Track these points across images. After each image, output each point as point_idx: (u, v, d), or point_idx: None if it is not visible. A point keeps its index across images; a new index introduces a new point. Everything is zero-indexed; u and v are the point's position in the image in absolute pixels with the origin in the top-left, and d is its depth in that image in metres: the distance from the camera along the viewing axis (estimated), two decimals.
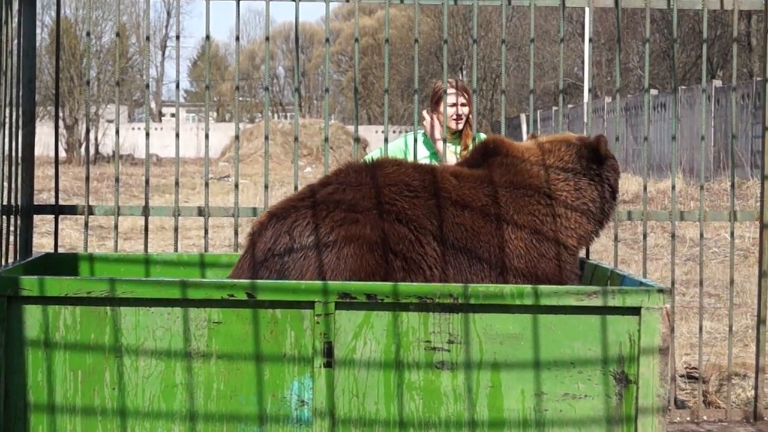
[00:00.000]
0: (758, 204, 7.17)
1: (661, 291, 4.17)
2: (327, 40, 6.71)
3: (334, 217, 4.75)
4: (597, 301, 4.17)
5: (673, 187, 6.84)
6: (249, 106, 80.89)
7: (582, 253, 5.48)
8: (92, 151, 45.99)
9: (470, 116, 7.39)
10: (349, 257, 4.65)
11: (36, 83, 6.48)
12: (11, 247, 6.24)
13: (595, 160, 5.40)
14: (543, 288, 4.20)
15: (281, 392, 4.24)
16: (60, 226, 8.38)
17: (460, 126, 7.45)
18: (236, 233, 6.51)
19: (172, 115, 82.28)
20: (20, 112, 6.25)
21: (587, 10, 7.92)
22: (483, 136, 7.49)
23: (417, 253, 4.82)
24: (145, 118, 6.50)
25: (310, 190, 5.00)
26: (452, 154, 7.29)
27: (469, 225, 4.98)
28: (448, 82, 7.43)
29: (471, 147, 6.75)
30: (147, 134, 6.63)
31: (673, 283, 6.68)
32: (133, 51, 60.06)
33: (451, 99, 7.46)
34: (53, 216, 6.65)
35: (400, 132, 52.88)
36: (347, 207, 4.80)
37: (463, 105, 7.44)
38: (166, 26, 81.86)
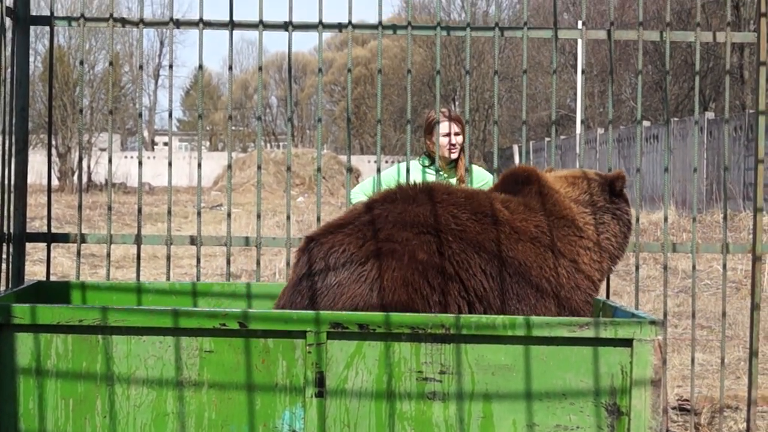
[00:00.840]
0: (750, 236, 7.17)
1: (653, 323, 4.17)
2: (320, 69, 6.72)
3: (371, 246, 4.71)
4: (589, 333, 4.16)
5: (666, 219, 6.85)
6: (242, 136, 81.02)
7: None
8: (85, 179, 45.97)
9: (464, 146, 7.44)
10: (383, 290, 4.61)
11: (29, 111, 6.48)
12: (3, 275, 6.23)
13: (613, 196, 5.42)
14: (535, 319, 4.20)
15: (272, 422, 4.22)
16: (52, 254, 8.36)
17: (454, 155, 7.49)
18: (228, 262, 6.51)
19: (165, 144, 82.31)
20: (13, 140, 6.25)
21: (580, 41, 7.93)
22: (476, 168, 7.53)
23: (455, 288, 4.76)
24: (138, 146, 6.50)
25: (352, 215, 4.94)
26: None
27: (521, 259, 4.92)
28: (441, 111, 7.48)
29: (467, 177, 6.77)
30: (140, 163, 6.63)
31: (665, 314, 6.67)
32: (126, 80, 60.22)
33: (444, 128, 7.50)
34: (45, 244, 6.63)
35: (393, 162, 52.94)
36: (386, 236, 4.74)
37: (456, 134, 7.48)
38: (159, 55, 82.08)
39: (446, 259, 4.76)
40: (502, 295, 4.85)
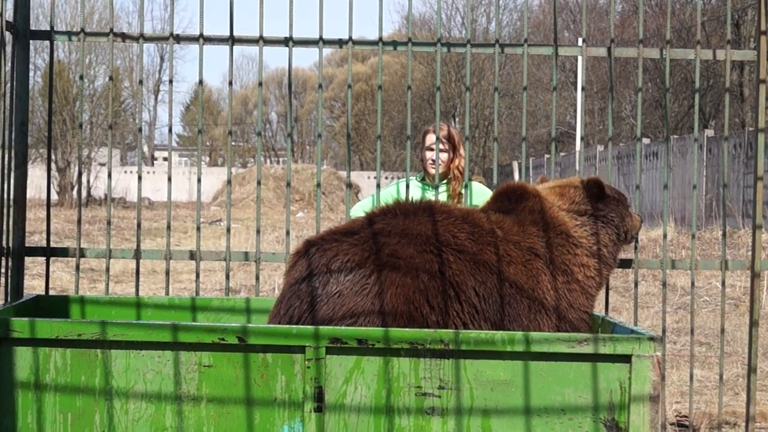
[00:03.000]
0: (749, 253, 7.17)
1: (652, 339, 4.17)
2: (320, 85, 6.73)
3: (376, 260, 4.69)
4: (588, 349, 4.16)
5: (665, 236, 6.85)
6: (241, 151, 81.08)
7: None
8: (84, 193, 45.99)
9: (457, 163, 7.48)
10: (384, 305, 4.59)
11: (29, 126, 6.49)
12: (2, 289, 6.23)
13: (598, 201, 5.42)
14: (534, 335, 4.20)
15: None
16: (51, 269, 8.38)
17: (432, 170, 7.53)
18: (227, 277, 6.51)
19: (165, 159, 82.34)
20: (12, 155, 6.25)
21: (580, 58, 7.95)
22: (477, 184, 7.54)
23: (454, 309, 4.76)
24: (138, 161, 6.51)
25: (355, 226, 4.93)
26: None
27: (518, 279, 4.92)
28: (430, 128, 7.58)
29: (466, 193, 6.80)
30: (139, 178, 6.64)
31: (664, 331, 6.67)
32: (126, 95, 60.22)
33: (428, 144, 7.58)
34: (44, 258, 6.64)
35: (392, 178, 52.96)
36: (391, 252, 4.73)
37: (442, 151, 7.52)
38: (159, 70, 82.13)
39: (447, 279, 4.76)
40: (501, 315, 4.86)
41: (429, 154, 7.60)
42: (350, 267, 4.66)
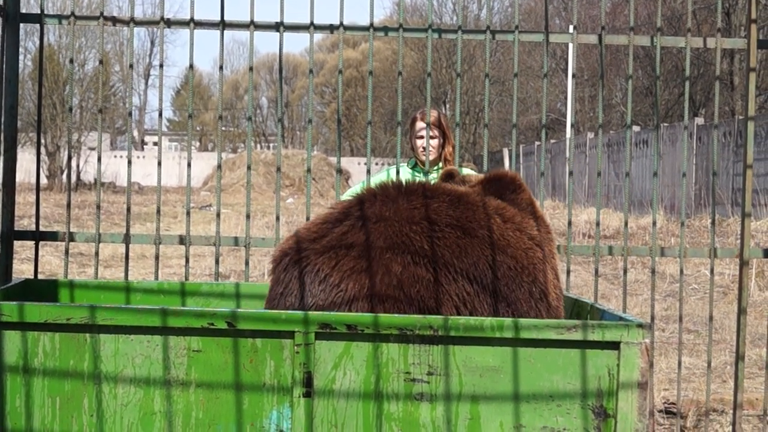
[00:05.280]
0: (738, 241, 7.19)
1: (640, 326, 4.18)
2: (311, 71, 6.72)
3: (343, 266, 4.64)
4: (577, 335, 4.17)
5: (654, 223, 6.86)
6: (232, 136, 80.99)
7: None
8: (74, 178, 45.94)
9: (448, 149, 7.49)
10: (359, 310, 4.57)
11: (18, 109, 6.47)
12: None
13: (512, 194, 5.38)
14: (522, 321, 4.20)
15: (260, 421, 4.22)
16: (40, 253, 8.33)
17: (423, 157, 7.53)
18: (217, 262, 6.50)
19: (155, 144, 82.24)
20: (2, 138, 6.24)
21: (571, 46, 7.95)
22: (467, 170, 7.55)
23: (438, 296, 4.72)
24: (128, 146, 6.50)
25: (325, 226, 4.83)
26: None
27: (516, 266, 4.88)
28: (417, 115, 7.59)
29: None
30: (129, 162, 6.63)
31: (652, 318, 6.69)
32: (116, 79, 60.15)
33: (419, 131, 7.58)
34: (33, 242, 6.63)
35: (383, 164, 52.94)
36: (358, 253, 4.66)
37: (432, 137, 7.52)
38: (150, 55, 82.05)
39: (422, 266, 4.70)
40: (497, 299, 4.83)
41: (420, 142, 7.60)
42: (321, 278, 4.62)
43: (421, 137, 7.56)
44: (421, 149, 7.56)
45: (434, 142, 7.54)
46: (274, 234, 6.39)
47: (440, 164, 7.62)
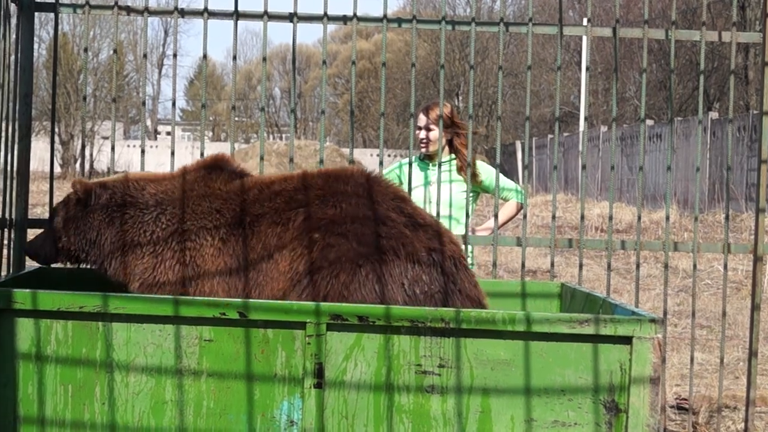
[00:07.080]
0: (752, 237, 7.17)
1: (653, 321, 4.17)
2: (324, 62, 6.72)
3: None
4: (589, 330, 4.16)
5: (667, 218, 6.85)
6: (244, 127, 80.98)
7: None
8: (87, 167, 45.99)
9: (458, 139, 7.53)
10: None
11: (32, 98, 6.48)
12: (4, 261, 6.23)
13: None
14: (535, 315, 4.19)
15: (271, 412, 4.23)
16: None
17: (423, 150, 7.62)
18: None
19: (168, 134, 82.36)
20: (16, 127, 6.25)
21: (584, 38, 7.95)
22: (479, 162, 7.55)
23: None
24: (141, 135, 6.50)
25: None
26: (447, 174, 7.42)
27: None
28: (427, 107, 7.63)
29: (468, 171, 6.81)
30: (142, 151, 6.64)
31: (665, 313, 6.67)
32: (129, 68, 60.19)
33: (419, 124, 7.64)
34: None
35: (395, 156, 52.97)
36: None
37: (430, 130, 7.60)
38: (164, 44, 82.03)
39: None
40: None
41: (422, 135, 7.68)
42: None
43: (419, 129, 7.64)
44: (418, 140, 7.66)
45: (433, 135, 7.58)
46: None
47: (451, 155, 7.63)
